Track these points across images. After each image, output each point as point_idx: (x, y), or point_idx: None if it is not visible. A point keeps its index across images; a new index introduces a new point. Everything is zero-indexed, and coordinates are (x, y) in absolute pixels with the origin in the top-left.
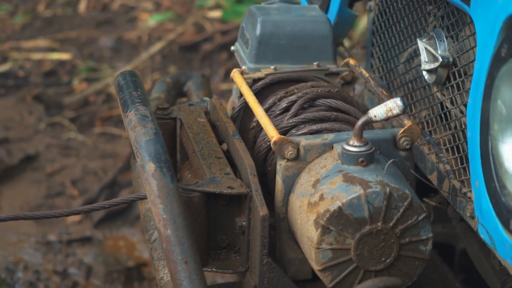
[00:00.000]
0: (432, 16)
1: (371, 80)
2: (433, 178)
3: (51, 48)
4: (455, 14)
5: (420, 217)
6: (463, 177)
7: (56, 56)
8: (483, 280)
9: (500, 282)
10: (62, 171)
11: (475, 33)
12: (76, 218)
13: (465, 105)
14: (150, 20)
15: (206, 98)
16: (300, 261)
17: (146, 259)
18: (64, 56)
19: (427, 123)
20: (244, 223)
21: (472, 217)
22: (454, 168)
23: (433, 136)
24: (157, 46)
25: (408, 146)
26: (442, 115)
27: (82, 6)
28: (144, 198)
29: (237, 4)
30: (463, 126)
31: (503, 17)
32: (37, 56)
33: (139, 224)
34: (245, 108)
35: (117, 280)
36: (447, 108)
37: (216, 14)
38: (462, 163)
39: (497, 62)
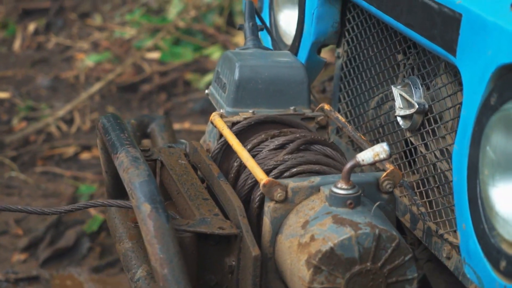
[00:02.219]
0: (402, 65)
1: (348, 125)
2: (406, 220)
3: None
4: (431, 63)
5: (407, 258)
6: (438, 219)
7: None
8: None
9: None
10: None
11: (453, 81)
12: (21, 257)
13: (440, 150)
14: (87, 60)
15: (184, 141)
16: None
17: None
18: (2, 95)
19: (399, 167)
20: (233, 262)
21: (448, 258)
22: (429, 210)
23: (405, 179)
24: (96, 86)
25: (390, 189)
26: (416, 159)
27: (16, 45)
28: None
29: (174, 46)
30: (438, 170)
31: (493, 67)
32: None
33: (86, 263)
34: (224, 150)
35: None
36: (421, 152)
37: (154, 55)
38: (437, 206)
39: (486, 110)
